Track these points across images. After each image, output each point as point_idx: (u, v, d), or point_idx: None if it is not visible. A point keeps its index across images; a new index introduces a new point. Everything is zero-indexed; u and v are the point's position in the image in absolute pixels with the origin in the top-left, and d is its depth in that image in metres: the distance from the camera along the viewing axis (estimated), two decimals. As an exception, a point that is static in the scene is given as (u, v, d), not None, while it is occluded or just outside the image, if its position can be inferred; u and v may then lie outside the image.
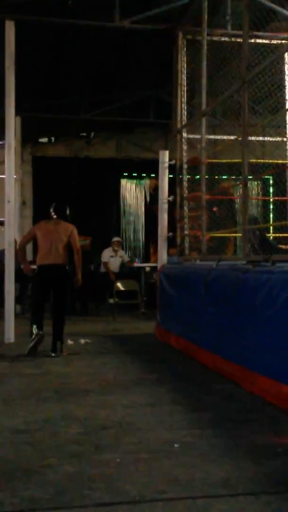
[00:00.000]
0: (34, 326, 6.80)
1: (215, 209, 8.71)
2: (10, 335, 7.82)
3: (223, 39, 7.80)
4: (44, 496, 2.80)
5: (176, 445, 3.53)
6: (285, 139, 8.64)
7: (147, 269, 11.82)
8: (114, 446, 3.54)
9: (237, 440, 3.65)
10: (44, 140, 15.21)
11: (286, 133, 8.66)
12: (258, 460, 3.28)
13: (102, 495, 2.82)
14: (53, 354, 6.77)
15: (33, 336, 6.76)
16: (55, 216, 7.26)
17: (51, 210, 7.29)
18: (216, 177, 8.96)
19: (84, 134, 15.05)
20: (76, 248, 7.17)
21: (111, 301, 10.80)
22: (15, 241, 8.50)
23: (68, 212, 7.37)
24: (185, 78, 8.64)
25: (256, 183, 13.51)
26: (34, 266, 7.41)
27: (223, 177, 9.28)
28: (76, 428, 3.90)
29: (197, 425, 3.99)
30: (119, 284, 10.80)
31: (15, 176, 8.41)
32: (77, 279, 7.26)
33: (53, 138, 15.23)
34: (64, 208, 7.35)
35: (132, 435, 3.75)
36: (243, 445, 3.57)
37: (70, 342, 7.60)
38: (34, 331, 6.78)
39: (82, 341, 7.69)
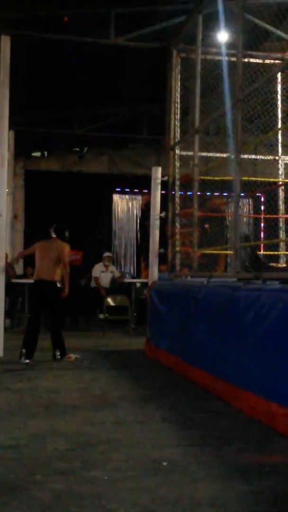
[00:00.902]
0: (24, 351, 7.20)
1: (206, 225, 8.75)
2: (-1, 349, 7.77)
3: (217, 58, 7.87)
4: (31, 513, 2.77)
5: (164, 463, 3.50)
6: (276, 157, 8.71)
7: (138, 284, 11.82)
8: (102, 463, 3.51)
9: (225, 458, 3.64)
10: (37, 154, 15.27)
11: (278, 152, 8.74)
12: (247, 478, 3.26)
13: (89, 513, 2.80)
14: (55, 359, 7.33)
15: (21, 360, 7.15)
16: (54, 236, 7.72)
17: (52, 230, 7.79)
18: (208, 193, 9.01)
19: (77, 149, 15.12)
20: (64, 263, 7.54)
21: (101, 316, 10.76)
22: (6, 255, 8.47)
23: (67, 234, 7.86)
24: (178, 96, 8.70)
25: (247, 200, 13.59)
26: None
27: (215, 194, 9.33)
28: (64, 444, 3.87)
29: (186, 443, 3.97)
30: (109, 300, 10.78)
31: (7, 190, 8.40)
32: (64, 291, 7.57)
33: (46, 153, 15.28)
34: (63, 229, 7.88)
35: (121, 452, 3.72)
36: (232, 463, 3.55)
37: (58, 356, 7.58)
38: (22, 357, 7.18)
39: (72, 356, 7.65)
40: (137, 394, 5.56)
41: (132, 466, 3.46)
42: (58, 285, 7.54)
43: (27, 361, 7.10)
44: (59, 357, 7.40)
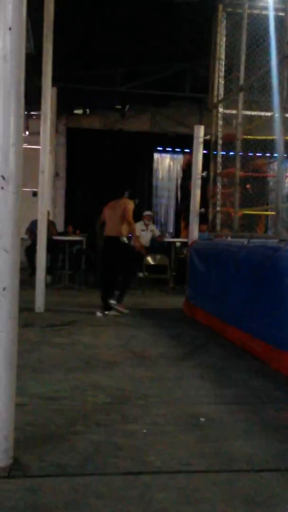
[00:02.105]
0: (102, 304, 7.94)
1: (248, 186, 8.63)
2: (40, 304, 7.90)
3: (264, 12, 7.64)
4: (71, 462, 2.86)
5: (202, 419, 3.56)
6: None
7: (178, 244, 11.81)
8: (140, 417, 3.58)
9: (263, 417, 3.67)
10: (79, 111, 15.19)
11: None
12: (284, 437, 3.30)
13: (127, 464, 2.87)
14: (111, 301, 7.88)
15: (99, 313, 7.82)
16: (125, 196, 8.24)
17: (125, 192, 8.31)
18: (251, 154, 8.86)
19: (119, 106, 14.97)
20: (127, 218, 7.98)
21: (141, 275, 10.83)
22: (48, 213, 8.53)
23: (136, 201, 8.44)
24: (223, 52, 8.51)
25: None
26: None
27: (258, 154, 9.17)
28: (104, 398, 3.95)
29: (223, 401, 4.02)
30: (149, 259, 10.82)
31: (49, 147, 8.41)
32: (137, 247, 8.69)
33: (88, 110, 15.20)
34: (134, 195, 8.50)
35: (158, 407, 3.79)
36: (269, 422, 3.59)
37: (98, 314, 7.68)
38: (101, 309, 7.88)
39: (110, 313, 7.75)
40: (175, 351, 5.62)
41: (170, 421, 3.52)
42: (125, 241, 8.03)
43: (105, 312, 7.79)
44: (114, 302, 7.89)
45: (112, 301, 7.88)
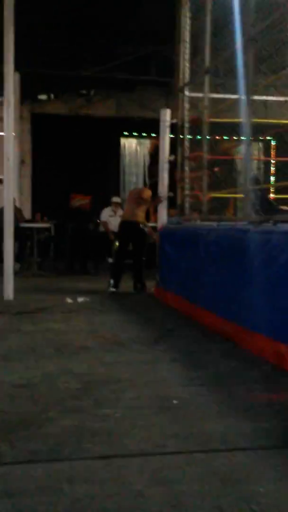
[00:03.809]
0: (111, 281, 8.55)
1: (216, 169, 8.64)
2: (9, 292, 7.82)
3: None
4: (44, 448, 2.83)
5: (175, 401, 3.56)
6: (288, 99, 8.51)
7: (146, 229, 11.77)
8: (114, 401, 3.56)
9: (235, 397, 3.69)
10: (43, 97, 14.98)
11: (290, 93, 8.53)
12: (257, 416, 3.31)
13: (102, 448, 2.85)
14: (135, 290, 8.58)
15: (109, 289, 8.52)
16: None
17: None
18: (218, 137, 8.86)
19: (84, 91, 14.82)
20: (140, 204, 8.55)
21: (110, 260, 10.79)
22: (14, 200, 8.43)
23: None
24: (188, 35, 8.45)
25: (258, 144, 13.37)
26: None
27: (225, 137, 9.17)
28: (76, 384, 3.92)
29: (196, 382, 4.02)
30: (117, 244, 10.76)
31: (13, 134, 8.28)
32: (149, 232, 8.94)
33: (52, 95, 15.01)
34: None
35: (131, 391, 3.78)
36: (242, 401, 3.60)
37: (69, 300, 7.63)
38: (110, 287, 8.53)
39: (81, 299, 7.71)
40: (146, 335, 5.62)
41: (143, 404, 3.51)
42: (140, 226, 8.53)
43: (113, 289, 8.45)
44: (141, 288, 8.56)
45: (139, 288, 8.56)
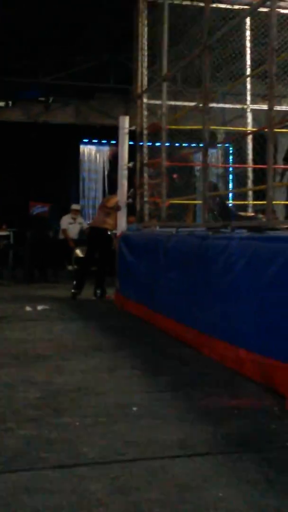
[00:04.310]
0: (74, 283, 8.79)
1: (175, 176, 8.69)
2: None
3: (184, 2, 7.67)
4: (1, 459, 2.79)
5: (134, 409, 3.55)
6: (245, 106, 8.63)
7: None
8: (73, 410, 3.54)
9: (195, 403, 3.70)
10: (1, 104, 14.84)
11: (246, 101, 8.66)
12: (215, 422, 3.33)
13: (61, 457, 2.83)
14: (95, 296, 8.77)
15: (72, 290, 8.72)
16: None
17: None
18: (177, 144, 8.92)
19: (43, 98, 14.74)
20: (106, 211, 8.78)
21: (69, 268, 10.74)
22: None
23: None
24: (146, 43, 8.49)
25: (216, 150, 13.49)
26: None
27: (184, 144, 9.24)
28: (35, 393, 3.88)
29: (156, 389, 4.02)
30: (78, 251, 10.74)
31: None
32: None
33: (10, 102, 14.87)
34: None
35: (91, 399, 3.76)
36: (201, 407, 3.62)
37: (28, 308, 7.56)
38: (73, 286, 8.74)
39: (40, 307, 7.64)
40: (106, 343, 5.60)
41: (103, 412, 3.49)
42: (108, 233, 8.82)
43: (75, 291, 8.64)
44: (101, 295, 8.74)
45: (99, 295, 8.72)
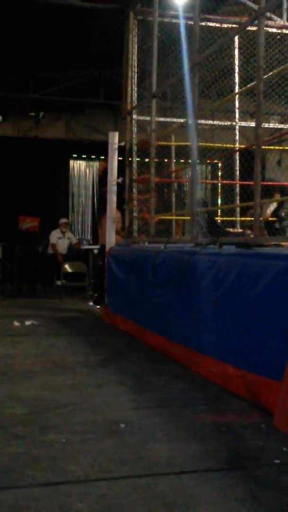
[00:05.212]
0: (96, 295, 9.46)
1: (167, 191, 8.73)
2: None
3: (174, 21, 7.75)
4: (-13, 477, 2.77)
5: (121, 425, 3.54)
6: (234, 123, 8.70)
7: (95, 251, 11.77)
8: (60, 426, 3.52)
9: (182, 420, 3.69)
10: (-9, 119, 14.86)
11: (235, 118, 8.73)
12: (204, 438, 3.32)
13: (47, 475, 2.81)
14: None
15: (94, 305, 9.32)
16: None
17: None
18: (166, 160, 8.97)
19: (33, 113, 14.77)
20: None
21: (58, 283, 10.72)
22: None
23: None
24: (135, 59, 8.56)
25: (205, 167, 13.58)
26: None
27: (173, 160, 9.28)
28: (21, 409, 3.86)
29: (143, 405, 4.01)
30: (66, 266, 10.74)
31: None
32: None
33: (0, 117, 14.90)
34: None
35: (78, 415, 3.74)
36: (188, 424, 3.61)
37: (16, 323, 7.53)
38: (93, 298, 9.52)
39: (29, 322, 7.61)
40: (94, 359, 5.58)
41: (90, 429, 3.48)
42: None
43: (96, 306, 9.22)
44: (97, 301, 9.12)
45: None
